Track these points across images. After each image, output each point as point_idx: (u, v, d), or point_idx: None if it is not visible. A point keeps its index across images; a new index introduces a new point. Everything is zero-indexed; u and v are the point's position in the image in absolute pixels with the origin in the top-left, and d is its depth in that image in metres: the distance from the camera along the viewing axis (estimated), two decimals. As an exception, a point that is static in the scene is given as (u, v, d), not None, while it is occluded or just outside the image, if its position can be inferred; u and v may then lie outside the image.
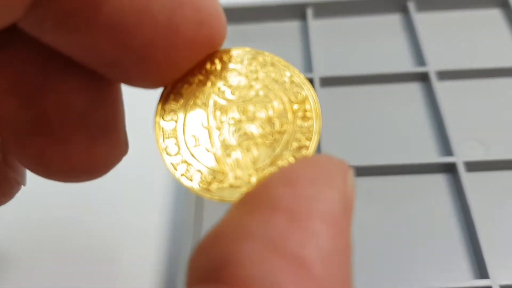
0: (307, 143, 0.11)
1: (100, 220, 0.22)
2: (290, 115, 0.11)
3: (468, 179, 0.22)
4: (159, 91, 0.12)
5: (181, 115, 0.12)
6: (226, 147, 0.11)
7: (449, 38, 0.28)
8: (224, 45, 0.12)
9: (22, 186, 0.14)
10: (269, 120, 0.11)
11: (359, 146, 0.24)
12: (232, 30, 0.21)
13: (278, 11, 0.29)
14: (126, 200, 0.23)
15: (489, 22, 0.29)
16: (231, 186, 0.11)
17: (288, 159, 0.11)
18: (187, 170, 0.11)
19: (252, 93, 0.12)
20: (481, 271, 0.20)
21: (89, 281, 0.21)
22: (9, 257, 0.21)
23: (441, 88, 0.25)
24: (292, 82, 0.12)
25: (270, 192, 0.09)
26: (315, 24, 0.29)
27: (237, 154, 0.11)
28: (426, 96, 0.26)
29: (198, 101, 0.12)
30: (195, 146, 0.11)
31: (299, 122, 0.11)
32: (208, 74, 0.12)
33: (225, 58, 0.12)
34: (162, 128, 0.11)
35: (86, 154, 0.12)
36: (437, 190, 0.22)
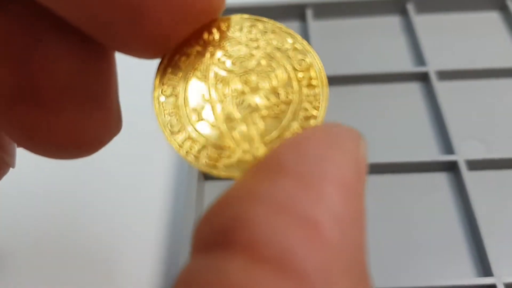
0: (314, 112, 0.10)
1: (101, 208, 0.22)
2: (295, 84, 0.11)
3: (469, 177, 0.22)
4: (156, 66, 0.11)
5: (181, 89, 0.11)
6: (230, 120, 0.11)
7: (449, 39, 0.28)
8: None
9: (11, 169, 0.14)
10: (274, 90, 0.11)
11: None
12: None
13: (278, 12, 0.29)
14: (126, 188, 0.23)
15: (488, 24, 0.29)
16: (238, 161, 0.10)
17: (296, 130, 0.10)
18: (192, 147, 0.10)
19: (254, 62, 0.11)
20: (484, 268, 0.20)
21: (88, 275, 0.20)
22: (8, 256, 0.21)
23: (441, 87, 0.25)
24: (295, 49, 0.11)
25: (278, 158, 0.09)
26: (315, 25, 0.29)
27: (242, 128, 0.10)
28: (426, 95, 0.26)
29: (198, 74, 0.11)
30: (198, 121, 0.11)
31: (305, 90, 0.11)
32: (206, 45, 0.11)
33: (223, 26, 0.11)
34: (162, 104, 0.11)
35: (74, 126, 0.11)
36: (439, 188, 0.22)
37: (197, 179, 0.22)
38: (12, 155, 0.14)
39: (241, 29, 0.11)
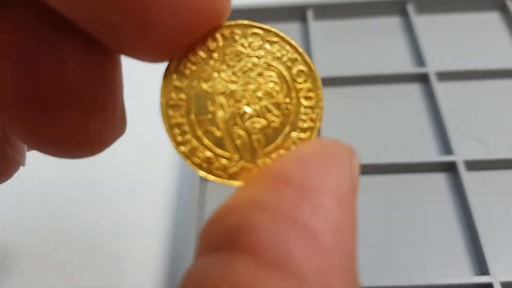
0: (311, 124, 0.11)
1: (107, 207, 0.23)
2: (293, 95, 0.11)
3: (468, 177, 0.22)
4: (162, 71, 0.11)
5: (186, 97, 0.11)
6: (233, 130, 0.11)
7: (448, 40, 0.29)
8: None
9: (21, 167, 0.14)
10: (274, 101, 0.11)
11: (361, 145, 0.24)
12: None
13: (279, 13, 0.30)
14: (132, 188, 0.24)
15: (488, 24, 0.29)
16: (241, 169, 0.11)
17: (294, 140, 0.11)
18: (198, 157, 0.11)
19: (256, 72, 0.11)
20: (481, 267, 0.20)
21: (94, 271, 0.21)
22: (19, 251, 0.21)
23: (440, 88, 0.26)
24: (295, 59, 0.11)
25: (281, 170, 0.10)
26: (316, 26, 0.29)
27: (245, 138, 0.11)
28: (426, 96, 0.26)
29: (202, 82, 0.11)
30: (204, 131, 0.11)
31: (302, 102, 0.11)
32: (210, 52, 0.11)
33: (226, 34, 0.11)
34: (169, 113, 0.11)
35: (79, 127, 0.11)
36: (437, 188, 0.23)
37: (199, 180, 0.22)
38: (22, 154, 0.14)
39: (244, 37, 0.11)
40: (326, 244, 0.09)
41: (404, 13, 0.30)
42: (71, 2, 0.10)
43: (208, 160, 0.11)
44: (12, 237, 0.22)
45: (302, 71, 0.11)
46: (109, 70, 0.12)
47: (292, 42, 0.12)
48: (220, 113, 0.11)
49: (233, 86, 0.11)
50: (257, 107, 0.11)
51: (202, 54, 0.11)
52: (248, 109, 0.11)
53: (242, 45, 0.11)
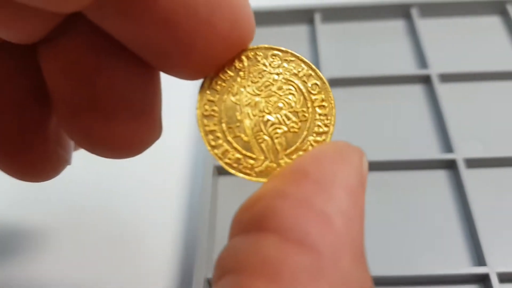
0: (325, 128, 0.13)
1: (128, 197, 0.25)
2: (309, 104, 0.13)
3: (467, 175, 0.23)
4: (198, 88, 0.14)
5: (218, 109, 0.13)
6: (258, 135, 0.13)
7: (451, 43, 0.30)
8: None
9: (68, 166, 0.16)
10: (293, 110, 0.13)
11: (366, 143, 0.25)
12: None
13: (288, 16, 0.31)
14: (150, 181, 0.25)
15: (489, 28, 0.31)
16: (266, 168, 0.13)
17: (311, 143, 0.13)
18: (230, 158, 0.13)
19: (276, 86, 0.13)
20: (479, 259, 0.21)
21: (115, 258, 0.22)
22: (50, 233, 0.23)
23: (442, 89, 0.27)
24: (309, 75, 0.13)
25: (300, 166, 0.11)
26: (323, 28, 0.30)
27: (269, 142, 0.13)
28: (428, 97, 0.27)
29: (231, 96, 0.13)
30: (233, 136, 0.13)
31: (317, 110, 0.13)
32: (237, 71, 0.13)
33: (250, 55, 0.13)
34: (204, 122, 0.13)
35: (127, 132, 0.13)
36: (438, 185, 0.24)
37: (212, 174, 0.24)
38: (70, 153, 0.16)
39: (265, 57, 0.13)
40: (337, 226, 0.10)
41: (408, 17, 0.31)
42: (129, 32, 0.12)
43: (237, 160, 0.13)
44: (49, 219, 0.24)
45: (316, 84, 0.13)
46: (152, 84, 0.14)
47: (306, 60, 0.13)
48: (247, 121, 0.13)
49: (257, 99, 0.13)
50: (278, 115, 0.13)
51: (230, 72, 0.13)
52: (270, 118, 0.13)
53: (264, 64, 0.13)
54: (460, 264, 0.21)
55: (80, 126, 0.13)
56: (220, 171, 0.24)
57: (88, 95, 0.13)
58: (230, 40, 0.12)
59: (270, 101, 0.13)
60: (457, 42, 0.30)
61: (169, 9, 0.11)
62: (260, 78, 0.13)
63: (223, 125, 0.13)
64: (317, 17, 0.31)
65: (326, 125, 0.13)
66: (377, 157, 0.24)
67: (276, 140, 0.13)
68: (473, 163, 0.24)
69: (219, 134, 0.13)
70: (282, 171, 0.12)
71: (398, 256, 0.22)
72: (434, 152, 0.25)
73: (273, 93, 0.13)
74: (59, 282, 0.22)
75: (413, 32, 0.30)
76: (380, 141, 0.26)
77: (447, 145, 0.25)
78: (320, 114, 0.13)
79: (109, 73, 0.13)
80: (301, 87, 0.13)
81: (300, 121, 0.13)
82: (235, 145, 0.13)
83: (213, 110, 0.13)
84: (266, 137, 0.13)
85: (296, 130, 0.13)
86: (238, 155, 0.13)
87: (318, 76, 0.13)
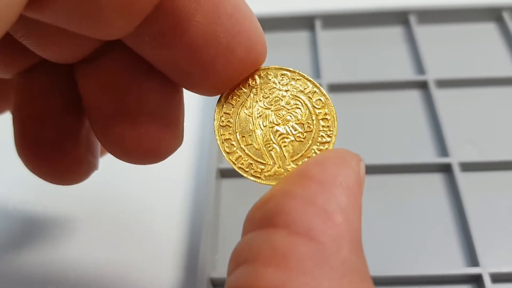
0: (328, 139, 0.15)
1: (138, 197, 0.26)
2: (314, 117, 0.15)
3: (462, 178, 0.24)
4: (215, 103, 0.15)
5: (233, 120, 0.15)
6: (268, 144, 0.15)
7: (447, 49, 0.31)
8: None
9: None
10: (299, 123, 0.15)
11: (363, 147, 0.26)
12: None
13: (289, 22, 0.32)
14: (153, 187, 0.26)
15: (485, 35, 0.31)
16: (275, 173, 0.14)
17: (315, 151, 0.15)
18: (242, 163, 0.15)
19: (285, 101, 0.15)
20: (472, 260, 0.22)
21: (118, 258, 0.23)
22: (75, 219, 0.25)
23: (439, 95, 0.28)
24: (314, 92, 0.15)
25: (306, 170, 0.13)
26: (323, 35, 0.31)
27: (277, 150, 0.15)
28: (425, 102, 0.28)
29: (245, 109, 0.15)
30: (246, 145, 0.15)
31: (321, 123, 0.15)
32: (251, 88, 0.15)
33: (262, 74, 0.15)
34: (220, 131, 0.15)
35: (155, 141, 0.15)
36: (434, 188, 0.25)
37: (215, 176, 0.24)
38: (98, 159, 0.17)
39: (275, 76, 0.15)
40: (338, 221, 0.12)
41: (406, 23, 0.32)
42: (161, 57, 0.14)
43: (249, 165, 0.15)
44: (80, 208, 0.25)
45: (320, 100, 0.15)
46: (176, 99, 0.15)
47: (312, 79, 0.15)
48: (258, 131, 0.15)
49: (267, 112, 0.15)
50: (286, 127, 0.15)
51: (244, 89, 0.15)
52: (279, 128, 0.15)
53: (274, 82, 0.15)
54: (454, 264, 0.22)
55: (113, 134, 0.15)
56: (224, 174, 0.25)
57: (121, 108, 0.15)
58: (245, 62, 0.14)
59: (279, 114, 0.15)
60: (454, 48, 0.31)
61: (195, 39, 0.13)
62: (270, 94, 0.15)
63: (237, 134, 0.15)
64: (318, 24, 0.31)
65: (328, 136, 0.15)
66: (374, 161, 0.25)
67: (284, 148, 0.15)
68: (467, 166, 0.25)
69: (233, 142, 0.15)
70: (289, 175, 0.13)
71: (393, 257, 0.22)
72: (430, 156, 0.26)
73: (282, 107, 0.15)
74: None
75: (411, 39, 0.31)
76: (377, 144, 0.26)
77: (443, 149, 0.26)
78: (323, 126, 0.15)
79: (139, 90, 0.15)
80: (307, 102, 0.15)
81: (306, 131, 0.15)
82: (247, 152, 0.15)
83: (229, 121, 0.15)
84: (275, 146, 0.15)
85: (302, 139, 0.15)
86: (250, 161, 0.15)
87: (322, 93, 0.15)
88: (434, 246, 0.23)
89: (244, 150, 0.15)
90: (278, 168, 0.14)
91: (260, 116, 0.15)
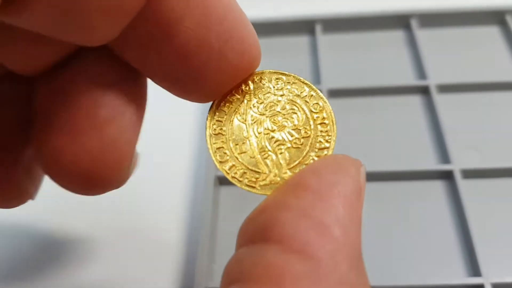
0: (327, 144, 0.14)
1: (136, 204, 0.26)
2: (312, 123, 0.14)
3: (464, 185, 0.24)
4: (207, 110, 0.15)
5: (226, 128, 0.14)
6: (263, 151, 0.14)
7: (449, 53, 0.30)
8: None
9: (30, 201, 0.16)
10: (296, 128, 0.14)
11: (364, 154, 0.26)
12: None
13: (289, 27, 0.31)
14: (150, 195, 0.26)
15: (487, 38, 0.31)
16: (270, 182, 0.14)
17: (313, 158, 0.14)
18: (236, 172, 0.14)
19: (280, 106, 0.14)
20: (474, 269, 0.21)
21: (116, 267, 0.23)
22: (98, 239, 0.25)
23: (440, 100, 0.27)
24: (311, 96, 0.14)
25: (301, 179, 0.12)
26: (324, 39, 0.31)
27: (273, 157, 0.14)
28: (426, 107, 0.28)
29: (238, 116, 0.14)
30: (240, 153, 0.14)
31: (319, 127, 0.14)
32: (244, 94, 0.14)
33: (256, 79, 0.14)
34: (212, 140, 0.14)
35: (95, 161, 0.13)
36: (435, 195, 0.24)
37: (213, 184, 0.24)
38: (36, 189, 0.16)
39: (270, 81, 0.14)
40: (336, 235, 0.11)
41: (407, 27, 0.31)
42: (148, 62, 0.13)
43: (243, 175, 0.14)
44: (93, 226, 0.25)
45: (317, 103, 0.14)
46: (133, 120, 0.14)
47: (308, 83, 0.14)
48: (253, 139, 0.14)
49: (262, 118, 0.14)
50: (282, 133, 0.14)
51: (237, 95, 0.14)
52: (275, 135, 0.14)
53: (268, 87, 0.14)
54: (455, 274, 0.22)
55: (51, 147, 0.13)
56: (222, 181, 0.25)
57: (69, 119, 0.13)
58: (238, 67, 0.13)
59: (275, 119, 0.14)
60: (456, 52, 0.30)
61: (185, 43, 0.12)
62: (265, 99, 0.14)
63: (230, 142, 0.14)
64: (318, 28, 0.31)
65: (327, 141, 0.14)
66: (375, 168, 0.25)
67: (280, 156, 0.14)
68: (470, 173, 0.24)
69: (226, 151, 0.14)
70: (284, 184, 0.12)
71: (394, 266, 0.22)
72: (432, 163, 0.25)
73: (277, 113, 0.14)
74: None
75: (412, 43, 0.31)
76: (378, 151, 0.26)
77: (444, 156, 0.25)
78: (321, 131, 0.14)
79: (92, 103, 0.13)
80: (304, 106, 0.14)
81: (303, 137, 0.14)
82: (241, 160, 0.14)
83: (221, 129, 0.14)
84: (270, 153, 0.14)
85: (299, 146, 0.14)
86: (244, 170, 0.14)
87: (319, 96, 0.14)
88: (435, 255, 0.22)
89: (237, 158, 0.14)
90: (274, 176, 0.14)
91: (254, 122, 0.14)
